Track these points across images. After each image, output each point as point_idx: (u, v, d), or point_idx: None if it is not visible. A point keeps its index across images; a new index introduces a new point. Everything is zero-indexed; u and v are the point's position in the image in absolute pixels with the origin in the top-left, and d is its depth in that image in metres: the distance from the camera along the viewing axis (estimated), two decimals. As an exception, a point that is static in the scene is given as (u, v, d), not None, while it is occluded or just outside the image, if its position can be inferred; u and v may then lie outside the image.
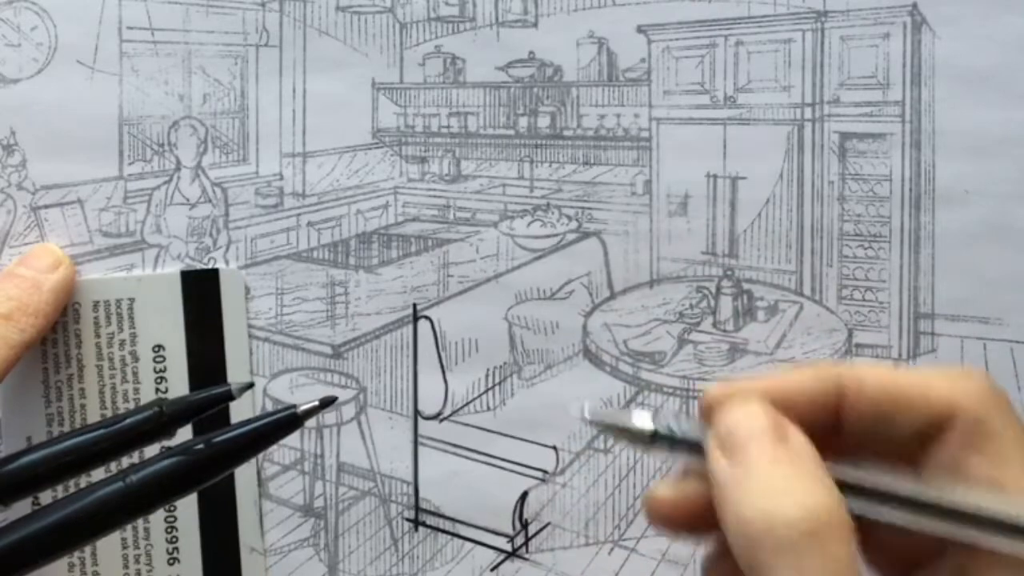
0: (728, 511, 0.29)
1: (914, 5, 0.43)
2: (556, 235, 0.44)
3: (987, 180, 0.43)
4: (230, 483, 0.43)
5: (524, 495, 0.44)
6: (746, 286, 0.44)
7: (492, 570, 0.44)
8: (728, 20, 0.43)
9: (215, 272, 0.43)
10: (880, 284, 0.43)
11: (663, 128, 0.44)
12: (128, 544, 0.43)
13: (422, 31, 0.44)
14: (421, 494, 0.44)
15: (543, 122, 0.44)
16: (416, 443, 0.44)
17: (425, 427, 0.44)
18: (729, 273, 0.44)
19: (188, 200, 0.43)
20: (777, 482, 0.30)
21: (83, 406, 0.43)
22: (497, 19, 0.44)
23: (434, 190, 0.44)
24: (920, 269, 0.43)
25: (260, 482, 0.43)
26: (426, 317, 0.44)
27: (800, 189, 0.44)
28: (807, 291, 0.44)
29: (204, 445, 0.35)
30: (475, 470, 0.44)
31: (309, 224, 0.44)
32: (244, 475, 0.43)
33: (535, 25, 0.44)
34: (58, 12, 0.43)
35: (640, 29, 0.44)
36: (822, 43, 0.43)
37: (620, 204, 0.44)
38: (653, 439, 0.33)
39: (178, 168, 0.43)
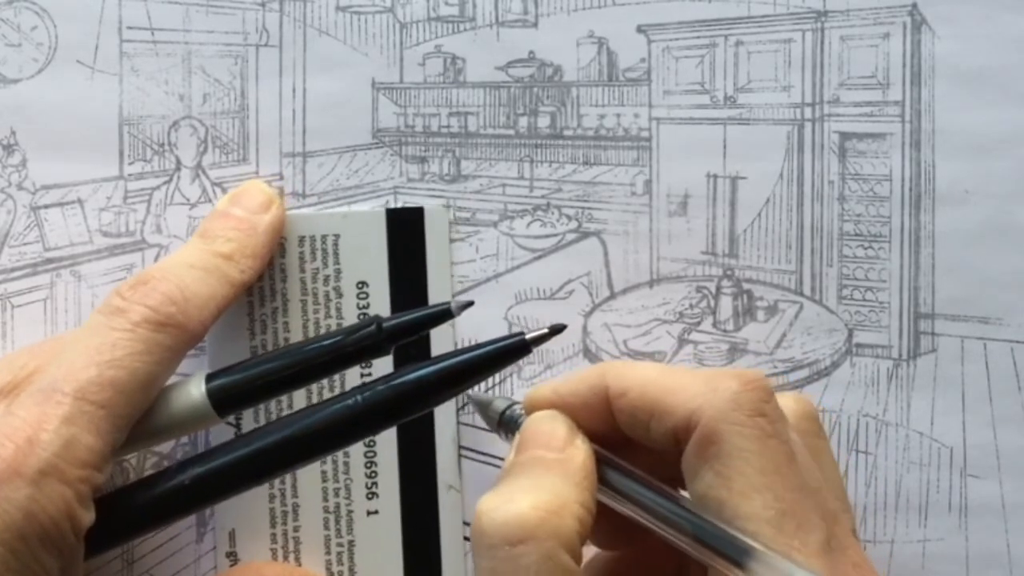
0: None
1: (914, 5, 0.43)
2: (556, 235, 0.44)
3: (987, 180, 0.43)
4: (429, 421, 0.43)
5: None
6: (746, 286, 0.44)
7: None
8: (728, 20, 0.44)
9: (420, 210, 0.43)
10: (880, 284, 0.43)
11: (663, 128, 0.44)
12: (328, 477, 0.42)
13: (422, 31, 0.44)
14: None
15: (543, 122, 0.44)
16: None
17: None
18: (729, 273, 0.44)
19: (188, 200, 0.43)
20: (508, 487, 0.32)
21: (286, 339, 0.42)
22: (497, 19, 0.44)
23: (434, 190, 0.44)
24: (920, 269, 0.43)
25: (459, 420, 0.43)
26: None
27: (800, 189, 0.44)
28: (807, 291, 0.44)
29: (432, 368, 0.35)
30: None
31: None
32: (443, 413, 0.43)
33: (535, 25, 0.44)
34: (58, 12, 0.43)
35: (640, 29, 0.44)
36: (822, 43, 0.43)
37: (620, 204, 0.44)
38: (499, 424, 0.36)
39: (178, 168, 0.43)
